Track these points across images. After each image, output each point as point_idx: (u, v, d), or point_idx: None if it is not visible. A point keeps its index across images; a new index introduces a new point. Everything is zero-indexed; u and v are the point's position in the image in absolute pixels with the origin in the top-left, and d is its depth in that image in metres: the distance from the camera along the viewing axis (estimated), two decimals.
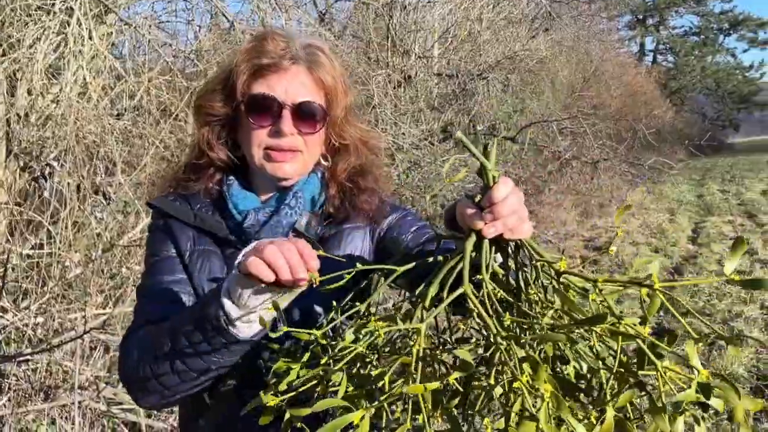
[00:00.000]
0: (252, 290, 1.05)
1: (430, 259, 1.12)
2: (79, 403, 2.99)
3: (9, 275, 3.12)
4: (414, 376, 0.88)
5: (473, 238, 1.01)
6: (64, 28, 5.03)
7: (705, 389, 0.85)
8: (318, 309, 1.34)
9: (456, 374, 0.90)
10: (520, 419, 0.82)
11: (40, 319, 3.30)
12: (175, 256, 1.38)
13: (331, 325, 1.06)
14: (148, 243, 1.45)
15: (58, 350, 3.18)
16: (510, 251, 1.05)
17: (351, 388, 0.95)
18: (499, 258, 1.06)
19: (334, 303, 1.12)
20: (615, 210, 11.96)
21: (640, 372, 0.90)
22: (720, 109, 44.22)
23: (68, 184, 4.37)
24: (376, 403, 0.88)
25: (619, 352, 0.89)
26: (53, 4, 4.85)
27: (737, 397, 0.84)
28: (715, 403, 0.87)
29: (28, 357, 3.07)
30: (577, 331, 0.94)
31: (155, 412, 3.37)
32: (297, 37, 1.41)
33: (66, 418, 3.07)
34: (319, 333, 1.02)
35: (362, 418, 0.86)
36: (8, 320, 3.21)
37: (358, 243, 1.45)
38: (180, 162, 1.52)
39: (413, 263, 1.11)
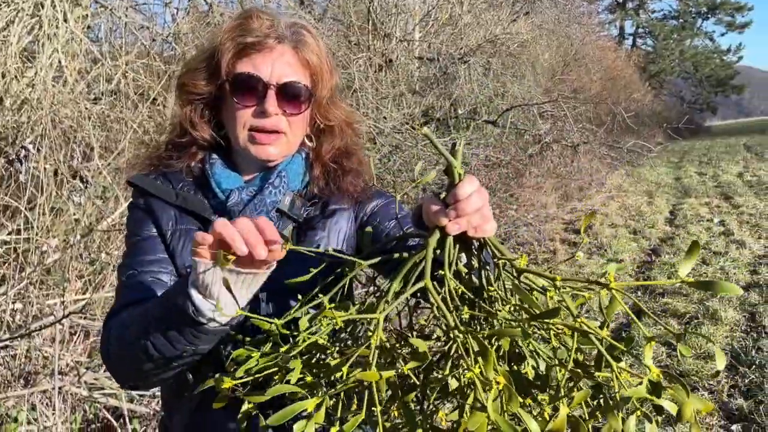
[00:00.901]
0: (214, 275, 1.03)
1: (396, 255, 1.12)
2: (60, 388, 2.97)
3: None
4: (370, 364, 0.88)
5: (437, 235, 1.01)
6: (38, 11, 4.94)
7: (656, 388, 0.86)
8: (292, 303, 1.33)
9: (411, 364, 0.90)
10: (471, 411, 0.82)
11: (18, 305, 3.27)
12: (156, 235, 1.36)
13: (293, 314, 1.04)
14: (128, 222, 1.42)
15: (37, 336, 3.16)
16: (474, 250, 1.05)
17: (309, 378, 0.94)
18: (464, 258, 1.05)
19: (300, 297, 1.10)
20: (594, 193, 12.05)
21: (598, 374, 0.90)
22: (698, 93, 44.65)
23: (45, 169, 4.31)
24: (332, 390, 0.88)
25: (573, 348, 0.90)
26: None
27: (686, 396, 0.86)
28: (668, 405, 0.89)
29: (7, 343, 3.04)
30: (534, 328, 0.95)
31: (137, 396, 3.37)
32: (282, 16, 1.40)
33: (47, 404, 3.05)
34: (279, 322, 1.01)
35: (317, 406, 0.86)
36: None
37: (342, 224, 1.45)
38: (160, 141, 1.49)
39: (377, 259, 1.12)
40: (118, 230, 3.83)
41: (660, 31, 41.87)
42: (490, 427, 0.81)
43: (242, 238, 0.99)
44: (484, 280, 1.01)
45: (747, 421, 3.90)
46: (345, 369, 0.87)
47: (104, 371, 3.32)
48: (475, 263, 1.05)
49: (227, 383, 0.95)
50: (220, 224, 1.00)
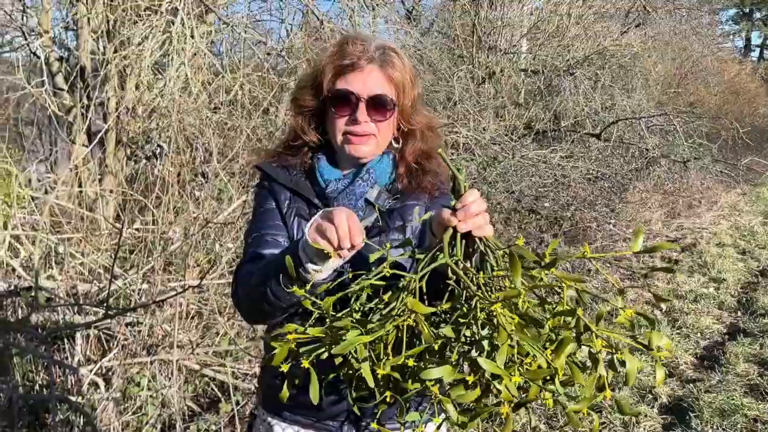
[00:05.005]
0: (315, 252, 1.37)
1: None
2: (176, 361, 3.40)
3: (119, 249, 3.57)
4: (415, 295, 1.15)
5: (449, 233, 1.28)
6: (168, 27, 5.40)
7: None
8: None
9: (448, 304, 1.17)
10: (498, 332, 1.06)
11: (144, 286, 3.76)
12: (275, 209, 1.72)
13: (341, 294, 1.29)
14: (255, 198, 1.81)
15: (159, 314, 3.62)
16: (479, 246, 1.31)
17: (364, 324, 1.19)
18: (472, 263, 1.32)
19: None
20: (704, 211, 11.56)
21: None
22: None
23: (169, 171, 4.82)
24: (377, 329, 1.13)
25: (565, 296, 1.13)
26: (160, 5, 5.25)
27: (654, 330, 1.08)
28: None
29: (137, 315, 3.52)
30: (535, 276, 1.18)
31: (240, 375, 3.76)
32: (372, 40, 1.71)
33: (165, 374, 3.49)
34: (325, 302, 1.25)
35: (371, 342, 1.13)
36: (119, 285, 3.68)
37: (416, 213, 1.72)
38: (278, 141, 1.89)
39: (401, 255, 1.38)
40: (233, 224, 4.28)
41: None
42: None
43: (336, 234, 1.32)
44: (488, 265, 1.26)
45: None
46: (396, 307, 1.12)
47: (213, 349, 3.73)
48: (476, 260, 1.31)
49: (287, 342, 1.23)
50: (340, 217, 1.32)
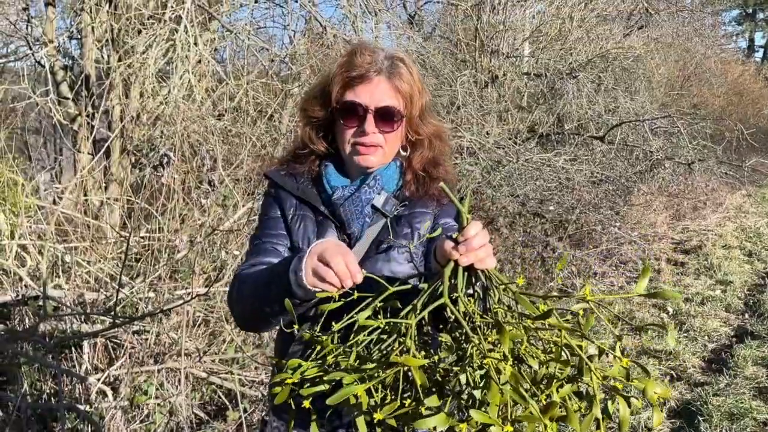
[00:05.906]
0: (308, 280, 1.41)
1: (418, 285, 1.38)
2: (184, 369, 3.40)
3: (124, 258, 3.58)
4: (409, 350, 1.14)
5: (451, 266, 1.26)
6: (172, 35, 5.42)
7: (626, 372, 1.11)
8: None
9: (444, 353, 1.17)
10: (489, 385, 1.06)
11: (151, 295, 3.77)
12: (279, 217, 1.76)
13: (343, 324, 1.30)
14: (263, 205, 1.84)
15: (166, 322, 3.63)
16: (479, 278, 1.30)
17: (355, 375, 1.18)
18: (471, 291, 1.31)
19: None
20: (709, 212, 11.51)
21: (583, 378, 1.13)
22: None
23: (174, 178, 4.83)
24: (374, 376, 1.13)
25: (562, 342, 1.14)
26: (163, 13, 5.26)
27: (649, 379, 1.10)
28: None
29: (144, 323, 3.53)
30: (531, 332, 1.18)
31: (248, 382, 3.75)
32: (381, 50, 1.73)
33: (172, 382, 3.50)
34: (325, 337, 1.28)
35: (366, 391, 1.12)
36: (126, 294, 3.68)
37: (424, 224, 1.74)
38: (288, 149, 1.90)
39: (404, 287, 1.36)
40: (239, 230, 4.29)
41: None
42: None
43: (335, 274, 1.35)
44: (488, 301, 1.26)
45: None
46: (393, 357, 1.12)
47: (220, 356, 3.74)
48: (478, 290, 1.30)
49: (288, 378, 1.25)
50: (335, 258, 1.36)
